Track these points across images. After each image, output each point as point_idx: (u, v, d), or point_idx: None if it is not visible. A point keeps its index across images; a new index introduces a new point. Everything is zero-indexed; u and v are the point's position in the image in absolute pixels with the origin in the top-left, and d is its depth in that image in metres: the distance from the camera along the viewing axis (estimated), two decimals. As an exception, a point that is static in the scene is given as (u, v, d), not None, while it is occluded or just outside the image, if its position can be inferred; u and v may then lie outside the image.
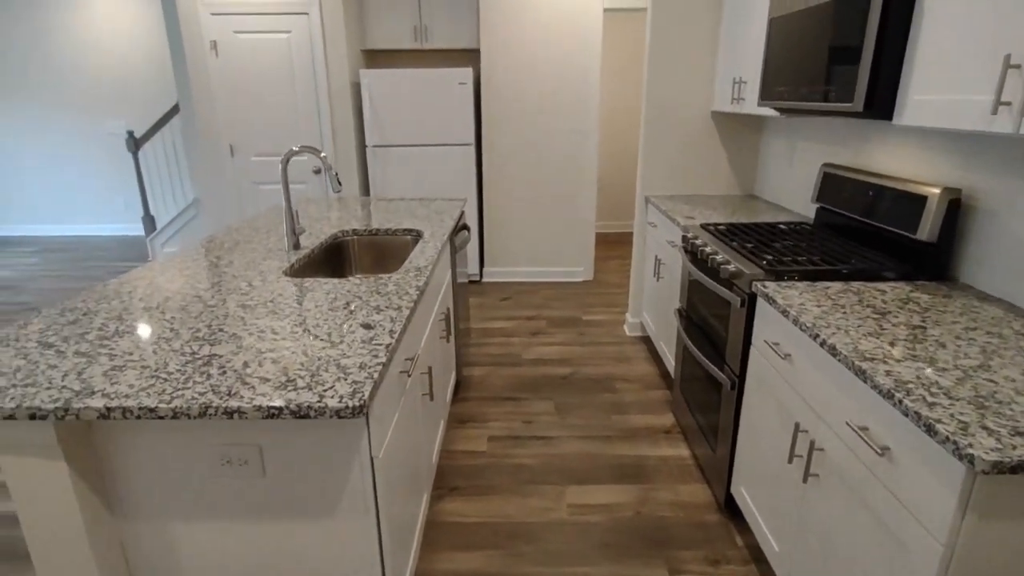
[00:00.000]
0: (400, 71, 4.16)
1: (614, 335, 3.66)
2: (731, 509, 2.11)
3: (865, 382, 1.20)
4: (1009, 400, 1.06)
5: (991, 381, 1.14)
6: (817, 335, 1.38)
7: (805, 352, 1.49)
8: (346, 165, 4.46)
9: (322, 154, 2.09)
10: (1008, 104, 1.21)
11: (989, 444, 0.94)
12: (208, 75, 4.23)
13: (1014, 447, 0.93)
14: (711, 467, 2.18)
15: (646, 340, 3.59)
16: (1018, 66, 1.19)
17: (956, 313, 1.49)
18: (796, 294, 1.64)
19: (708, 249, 2.12)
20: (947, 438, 0.96)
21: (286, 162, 2.05)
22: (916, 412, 1.04)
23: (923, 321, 1.44)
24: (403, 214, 2.74)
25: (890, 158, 2.09)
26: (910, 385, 1.12)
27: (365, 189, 4.65)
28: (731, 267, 1.89)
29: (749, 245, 2.10)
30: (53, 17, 5.80)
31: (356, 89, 4.42)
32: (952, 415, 1.02)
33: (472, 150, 4.34)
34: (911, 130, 1.97)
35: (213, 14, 4.09)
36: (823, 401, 1.41)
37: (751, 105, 2.61)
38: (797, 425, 1.50)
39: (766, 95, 2.24)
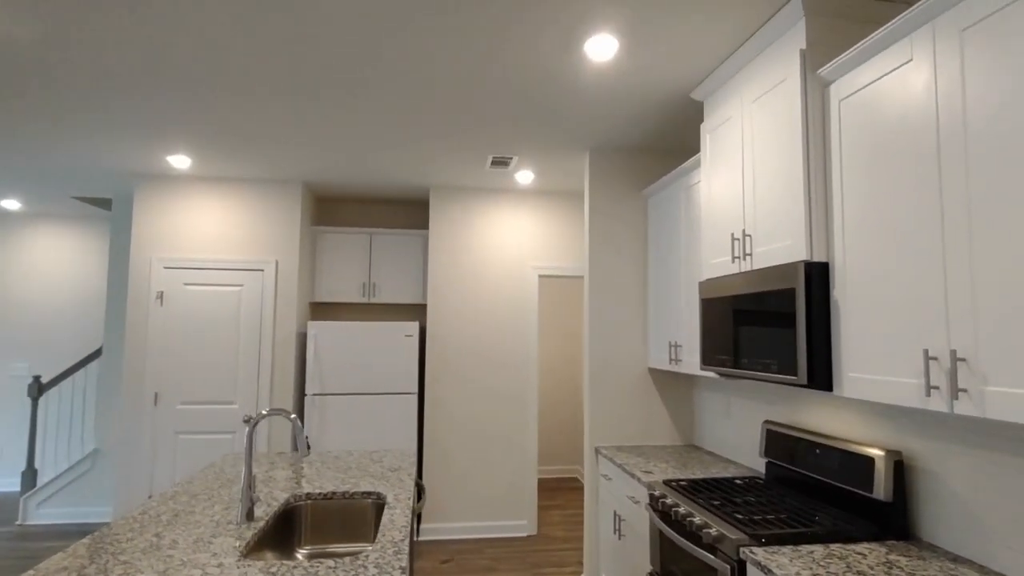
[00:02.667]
0: (349, 324, 4.32)
1: (571, 602, 3.35)
2: None
3: (898, 669, 1.17)
4: None
5: (1014, 661, 1.14)
6: (828, 612, 1.37)
7: (815, 630, 1.45)
8: (280, 414, 4.29)
9: (291, 416, 2.04)
10: (937, 388, 1.44)
11: None
12: (147, 324, 4.17)
13: None
14: None
15: (606, 607, 3.31)
16: (936, 358, 1.45)
17: (939, 578, 1.55)
18: (787, 561, 1.65)
19: (682, 510, 2.13)
20: None
21: (253, 426, 1.97)
22: None
23: (916, 589, 1.47)
24: (355, 472, 2.60)
25: (827, 419, 2.32)
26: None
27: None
28: (713, 531, 1.90)
29: (716, 503, 2.15)
30: (-20, 261, 5.72)
31: (301, 339, 4.49)
32: None
33: (415, 399, 4.36)
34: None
35: (166, 267, 4.21)
36: None
37: (691, 366, 2.89)
38: None
39: (708, 361, 2.51)
